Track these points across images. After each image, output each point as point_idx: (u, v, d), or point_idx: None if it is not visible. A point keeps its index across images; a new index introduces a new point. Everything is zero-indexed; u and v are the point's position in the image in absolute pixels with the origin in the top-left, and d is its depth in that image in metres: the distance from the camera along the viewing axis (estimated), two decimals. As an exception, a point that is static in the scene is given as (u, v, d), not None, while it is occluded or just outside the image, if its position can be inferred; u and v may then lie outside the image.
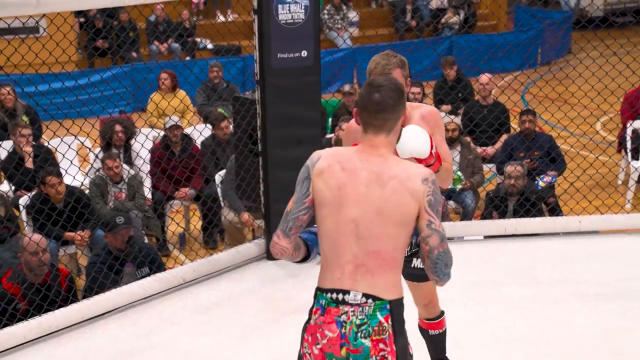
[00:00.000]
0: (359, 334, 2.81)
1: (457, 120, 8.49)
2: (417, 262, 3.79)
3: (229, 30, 13.13)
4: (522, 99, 11.14)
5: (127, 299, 5.54)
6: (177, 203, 7.47)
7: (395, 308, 2.86)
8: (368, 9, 15.81)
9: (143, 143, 7.06)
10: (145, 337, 5.20)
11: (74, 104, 7.53)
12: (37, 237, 5.51)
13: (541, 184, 7.48)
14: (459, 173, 7.51)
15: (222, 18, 14.62)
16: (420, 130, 3.47)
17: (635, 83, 8.31)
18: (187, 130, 8.25)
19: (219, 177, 7.27)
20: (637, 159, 8.29)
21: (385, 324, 2.83)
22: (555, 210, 7.27)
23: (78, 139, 7.62)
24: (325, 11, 14.68)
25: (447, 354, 4.18)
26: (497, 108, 8.67)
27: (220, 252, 6.32)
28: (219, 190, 7.21)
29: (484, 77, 8.89)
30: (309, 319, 2.92)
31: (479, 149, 8.11)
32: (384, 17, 15.52)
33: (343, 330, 2.82)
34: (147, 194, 7.40)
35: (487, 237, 6.44)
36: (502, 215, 6.75)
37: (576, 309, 5.30)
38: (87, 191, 7.00)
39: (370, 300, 2.83)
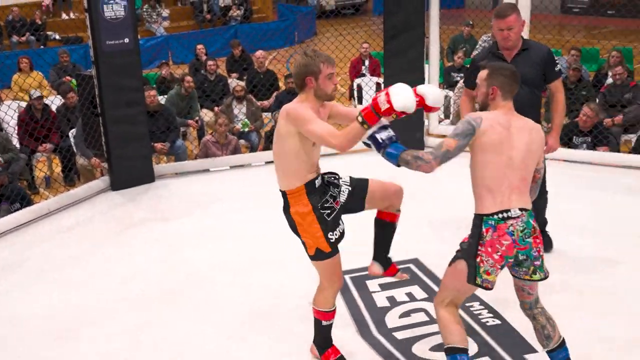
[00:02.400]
0: (523, 236, 2.84)
1: (242, 83, 8.43)
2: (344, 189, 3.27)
3: (68, 25, 12.44)
4: (286, 67, 11.23)
5: (4, 227, 5.20)
6: (40, 155, 7.00)
7: (533, 213, 2.92)
8: (175, 7, 15.25)
9: (6, 111, 6.67)
10: (23, 252, 4.91)
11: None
12: None
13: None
14: (247, 120, 7.48)
15: (65, 16, 13.69)
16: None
17: (355, 53, 8.61)
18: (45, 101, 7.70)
19: (71, 133, 6.88)
20: (361, 104, 8.60)
21: (534, 225, 2.89)
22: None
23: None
24: (144, 9, 14.08)
25: None
26: (269, 74, 8.69)
27: (76, 188, 6.03)
28: (72, 142, 6.83)
29: (259, 53, 8.86)
30: (481, 238, 2.84)
31: (259, 103, 8.11)
32: (188, 13, 15.13)
33: (513, 237, 2.83)
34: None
35: (267, 163, 6.51)
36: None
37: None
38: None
39: (523, 212, 2.85)
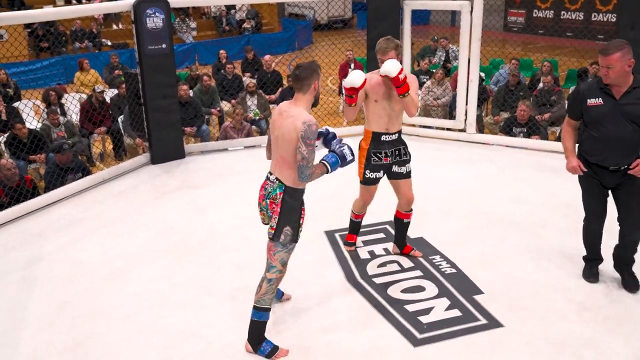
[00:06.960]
0: (267, 196, 2.83)
1: (254, 81, 8.25)
2: (396, 168, 3.44)
3: (118, 34, 12.15)
4: (288, 68, 11.06)
5: (70, 192, 5.11)
6: (96, 135, 6.86)
7: (289, 191, 2.77)
8: (201, 20, 14.93)
9: (71, 101, 6.45)
10: (83, 212, 4.81)
11: (27, 81, 6.71)
12: (9, 161, 4.91)
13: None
14: (257, 110, 7.36)
15: (115, 27, 13.39)
16: (394, 62, 3.19)
17: (343, 58, 8.42)
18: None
19: (120, 119, 6.74)
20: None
21: (279, 195, 2.77)
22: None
23: (32, 101, 6.82)
24: (176, 22, 13.79)
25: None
26: (275, 74, 8.51)
27: (124, 162, 5.90)
28: (121, 126, 6.70)
29: (267, 57, 8.62)
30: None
31: (267, 97, 7.95)
32: (211, 25, 14.84)
33: (264, 192, 2.85)
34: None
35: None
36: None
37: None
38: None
39: (277, 181, 2.79)
